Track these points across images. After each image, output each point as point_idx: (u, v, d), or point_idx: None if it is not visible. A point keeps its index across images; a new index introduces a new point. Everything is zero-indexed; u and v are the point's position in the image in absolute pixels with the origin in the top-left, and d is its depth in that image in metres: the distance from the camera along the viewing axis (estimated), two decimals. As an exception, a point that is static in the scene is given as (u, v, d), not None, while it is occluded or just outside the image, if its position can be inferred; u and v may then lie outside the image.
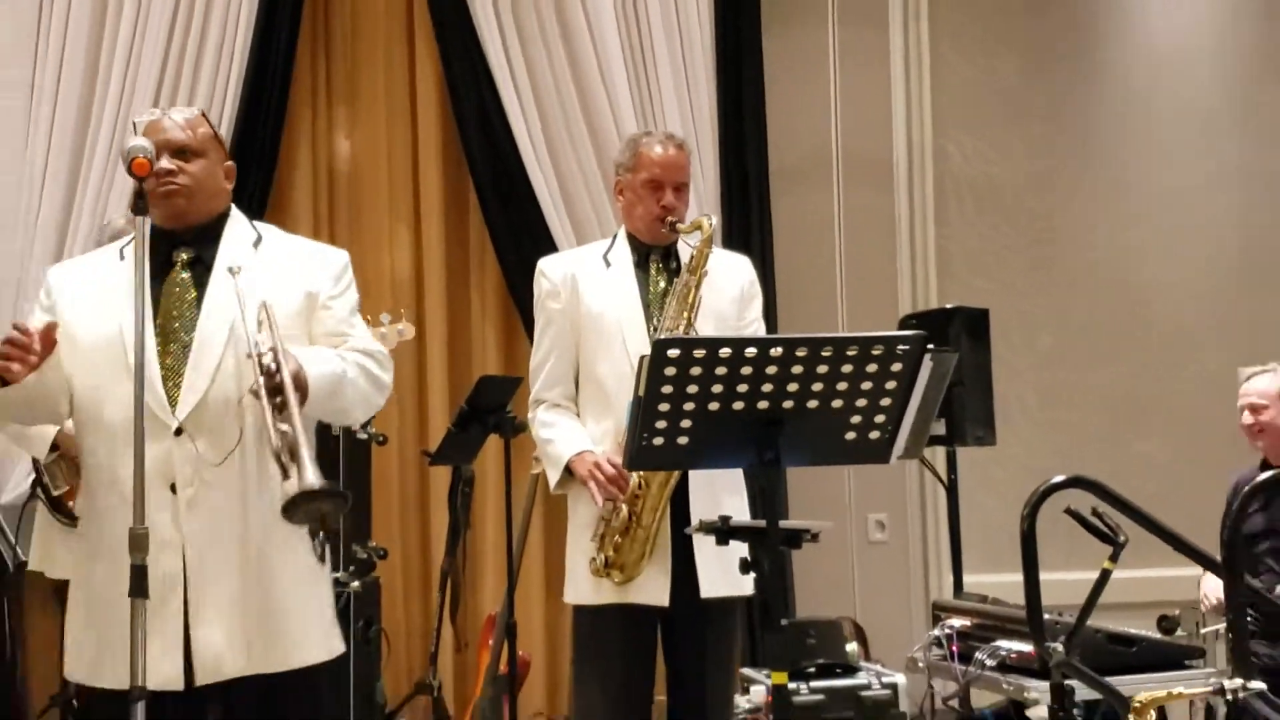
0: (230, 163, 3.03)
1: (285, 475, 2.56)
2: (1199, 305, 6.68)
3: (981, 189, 6.62)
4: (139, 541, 2.48)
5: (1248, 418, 4.54)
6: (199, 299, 2.86)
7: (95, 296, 2.87)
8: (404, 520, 6.22)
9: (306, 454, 2.53)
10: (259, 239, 2.99)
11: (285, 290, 2.91)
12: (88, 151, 5.80)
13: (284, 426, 2.60)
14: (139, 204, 2.62)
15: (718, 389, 2.64)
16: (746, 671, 5.08)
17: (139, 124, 2.95)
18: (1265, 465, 4.59)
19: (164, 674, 2.72)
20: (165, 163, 2.85)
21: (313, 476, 2.49)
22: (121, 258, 2.93)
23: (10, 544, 5.37)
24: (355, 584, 5.31)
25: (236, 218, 3.01)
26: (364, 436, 5.44)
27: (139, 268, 2.61)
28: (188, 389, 2.79)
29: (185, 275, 2.89)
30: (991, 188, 6.63)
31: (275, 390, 2.64)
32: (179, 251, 2.90)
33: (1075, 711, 2.96)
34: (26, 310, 5.66)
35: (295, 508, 2.51)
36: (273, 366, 2.66)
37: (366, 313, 4.82)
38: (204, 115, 3.01)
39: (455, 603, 5.37)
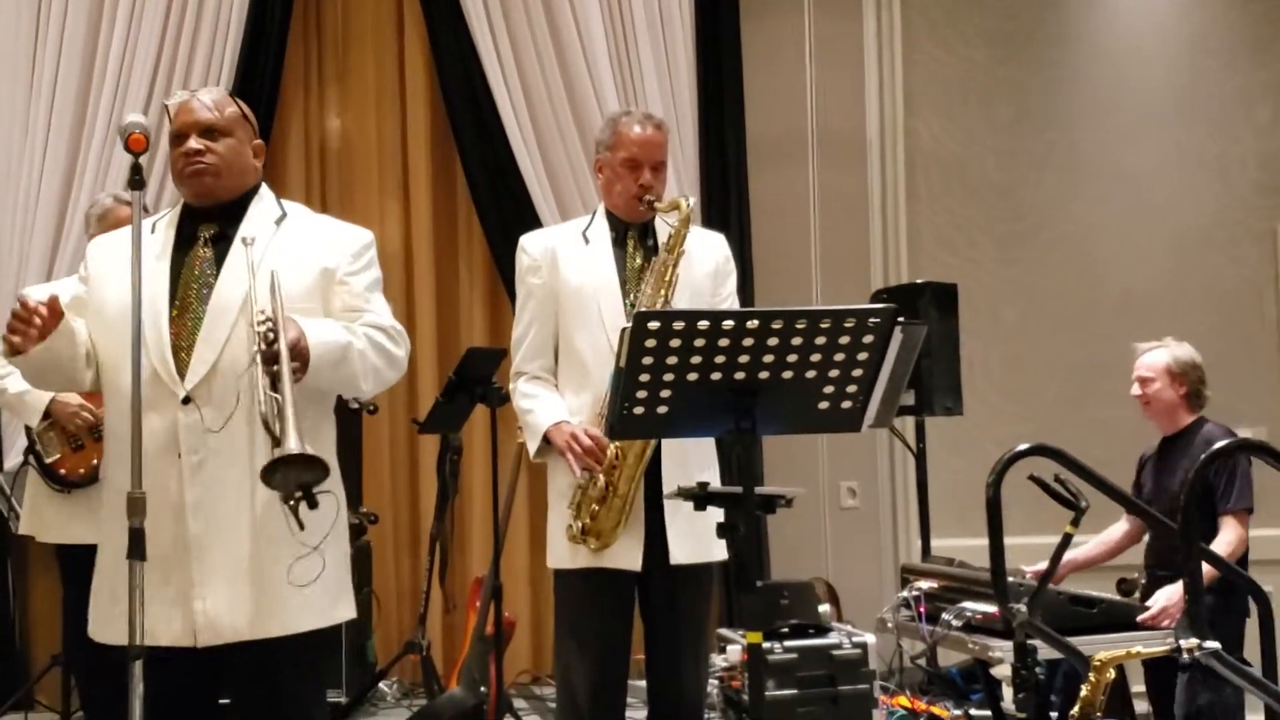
0: (259, 141, 2.99)
1: (275, 443, 2.54)
2: (1152, 278, 6.73)
3: (951, 169, 6.63)
4: (136, 505, 2.46)
5: (1136, 389, 4.55)
6: (218, 273, 2.83)
7: (121, 269, 2.79)
8: (394, 486, 6.21)
9: (291, 422, 2.51)
10: (283, 216, 2.94)
11: (300, 266, 2.87)
12: (86, 130, 5.76)
13: (275, 394, 2.58)
14: (135, 179, 2.60)
15: (696, 360, 2.64)
16: (723, 632, 5.10)
17: (171, 106, 2.92)
18: (1164, 440, 4.60)
19: (174, 633, 2.72)
20: (193, 142, 2.82)
21: (293, 443, 2.47)
22: (153, 231, 2.89)
23: (13, 508, 5.35)
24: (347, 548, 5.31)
25: (265, 196, 2.97)
26: (355, 406, 5.43)
27: (135, 244, 2.58)
28: (197, 360, 2.77)
29: (207, 251, 2.86)
30: (960, 168, 6.64)
31: (271, 359, 2.62)
32: (203, 228, 2.88)
33: (1038, 670, 2.97)
34: (27, 281, 5.65)
35: (274, 473, 2.49)
36: (270, 335, 2.63)
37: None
38: (232, 96, 2.96)
39: (444, 566, 5.37)
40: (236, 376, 2.75)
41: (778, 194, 6.43)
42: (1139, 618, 4.09)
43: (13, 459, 5.64)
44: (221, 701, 2.94)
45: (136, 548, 2.45)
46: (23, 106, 5.77)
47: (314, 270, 2.88)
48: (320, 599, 2.85)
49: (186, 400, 2.74)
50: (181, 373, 2.76)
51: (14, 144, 5.77)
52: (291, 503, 2.51)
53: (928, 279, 5.79)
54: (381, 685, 5.65)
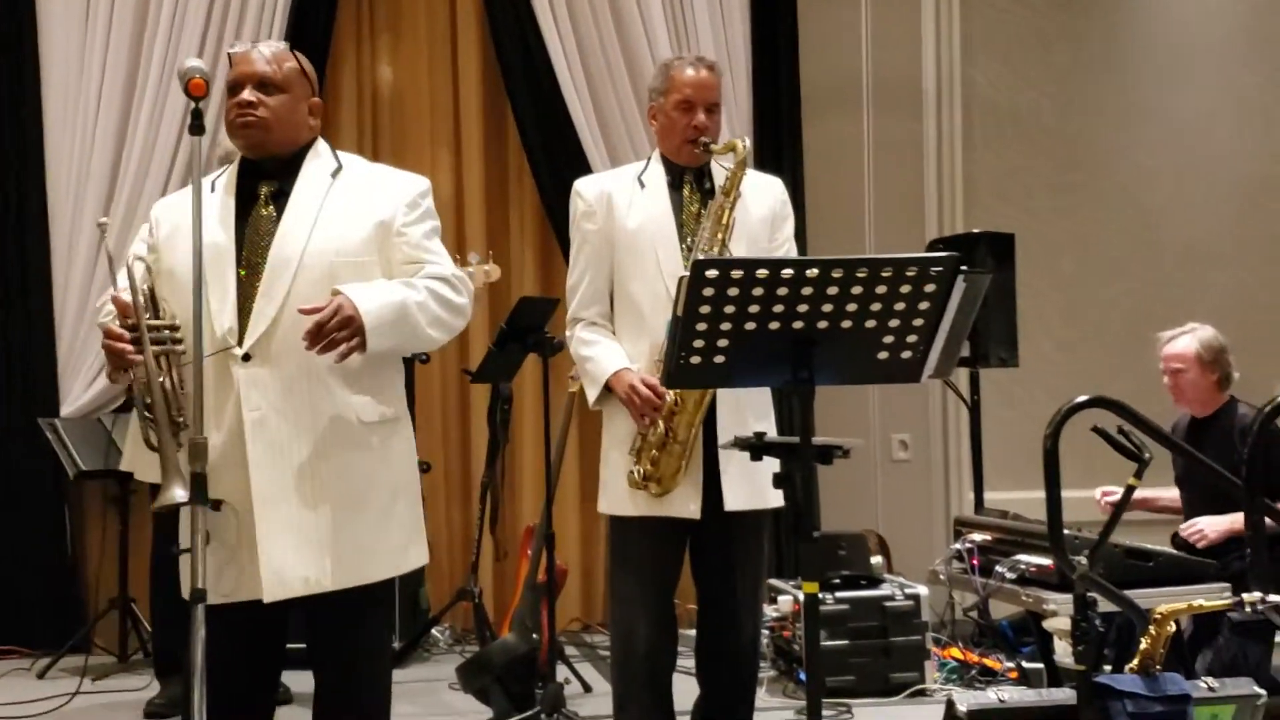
0: (317, 99, 2.96)
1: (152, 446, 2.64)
2: (1210, 227, 6.67)
3: (1007, 117, 6.56)
4: (198, 450, 2.48)
5: (1168, 381, 4.56)
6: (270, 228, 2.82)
7: (186, 229, 2.77)
8: (445, 435, 6.25)
9: (171, 463, 2.58)
10: (339, 169, 2.92)
11: (356, 219, 2.85)
12: (141, 74, 5.79)
13: (150, 418, 2.66)
14: (195, 125, 2.59)
15: (754, 309, 2.61)
16: (774, 582, 5.11)
17: (232, 55, 2.89)
18: (1192, 419, 4.64)
19: (248, 588, 2.72)
20: (247, 94, 2.80)
21: (179, 494, 2.55)
22: (212, 190, 2.88)
23: (71, 455, 5.42)
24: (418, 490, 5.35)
25: (320, 150, 2.95)
26: (408, 356, 5.45)
27: (195, 192, 2.58)
28: (257, 315, 2.76)
29: (269, 209, 2.85)
30: (1017, 116, 6.57)
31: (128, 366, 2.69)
32: (263, 185, 2.86)
33: (1097, 623, 2.95)
34: (83, 227, 5.72)
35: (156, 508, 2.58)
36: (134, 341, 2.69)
37: (483, 247, 4.85)
38: (292, 51, 2.93)
39: (494, 514, 5.40)
40: (296, 332, 2.73)
41: (832, 141, 6.38)
42: (1180, 529, 4.32)
43: (69, 405, 5.72)
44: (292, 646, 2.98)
45: (199, 493, 2.48)
46: (77, 50, 5.81)
47: (369, 223, 2.86)
48: (390, 547, 2.87)
49: (247, 357, 2.74)
50: (243, 330, 2.76)
51: (70, 87, 5.81)
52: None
53: (983, 228, 5.74)
54: (434, 631, 5.71)
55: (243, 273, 2.80)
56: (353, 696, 2.89)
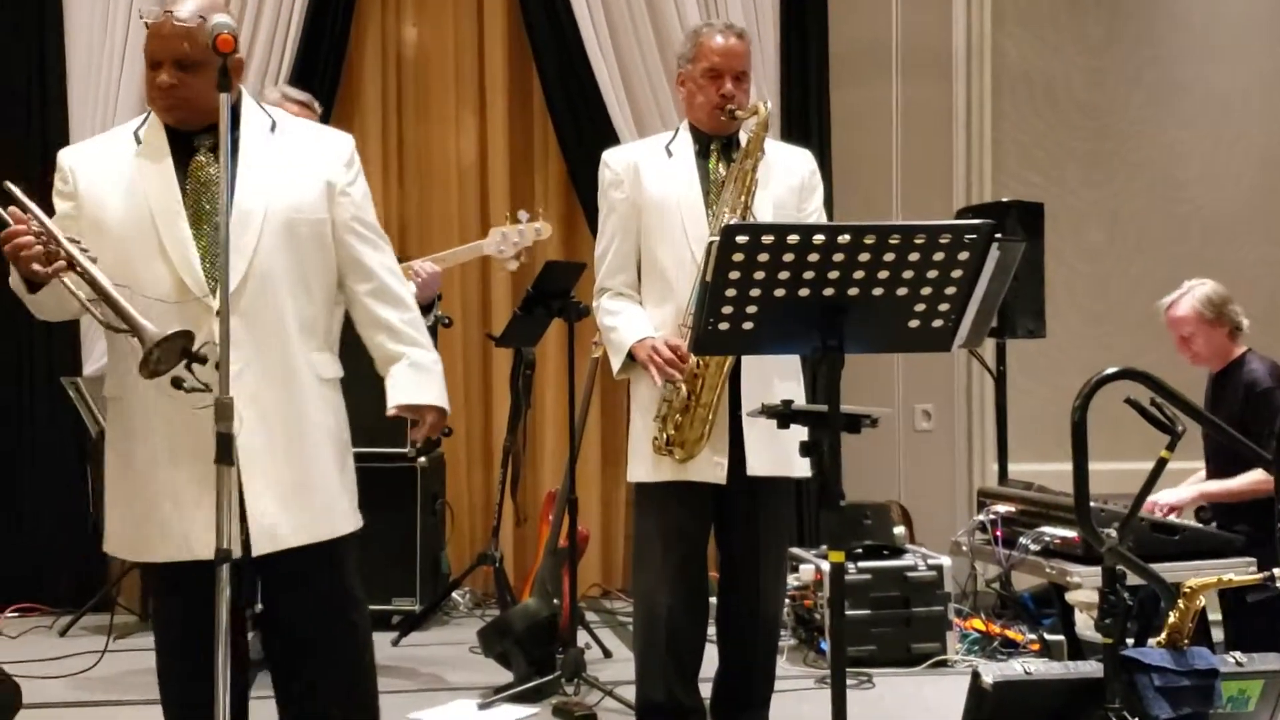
0: (239, 57, 2.81)
1: (132, 334, 2.56)
2: (1239, 200, 6.58)
3: (1038, 85, 6.49)
4: (225, 410, 2.46)
5: (1180, 347, 4.54)
6: (230, 182, 2.72)
7: (116, 179, 2.79)
8: (468, 400, 6.23)
9: (130, 309, 2.55)
10: (274, 124, 2.91)
11: (305, 177, 2.86)
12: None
13: (97, 293, 2.60)
14: (223, 81, 2.56)
15: (784, 275, 2.59)
16: (795, 551, 5.11)
17: (147, 25, 2.78)
18: (1210, 375, 4.60)
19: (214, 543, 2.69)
20: (166, 76, 2.73)
21: (150, 328, 2.51)
22: (138, 141, 2.84)
23: (93, 414, 5.44)
24: (422, 460, 5.36)
25: (249, 104, 2.91)
26: (430, 320, 5.44)
27: (223, 149, 2.53)
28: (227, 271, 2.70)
29: (210, 158, 2.81)
30: (1048, 84, 6.49)
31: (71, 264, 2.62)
32: (201, 139, 2.82)
33: (1125, 596, 2.94)
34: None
35: (150, 362, 2.51)
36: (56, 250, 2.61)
37: (506, 210, 4.86)
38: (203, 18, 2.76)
39: (516, 479, 5.39)
40: (265, 284, 2.76)
41: (860, 108, 6.32)
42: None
43: (92, 365, 5.73)
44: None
45: (225, 453, 2.46)
46: (102, 4, 5.76)
47: (319, 182, 2.87)
48: (350, 504, 2.93)
49: (219, 312, 2.66)
50: (210, 284, 2.74)
51: (95, 39, 5.76)
52: (185, 375, 2.53)
53: (1012, 198, 5.70)
54: (454, 595, 5.72)
55: (190, 225, 2.78)
56: (331, 660, 2.89)
